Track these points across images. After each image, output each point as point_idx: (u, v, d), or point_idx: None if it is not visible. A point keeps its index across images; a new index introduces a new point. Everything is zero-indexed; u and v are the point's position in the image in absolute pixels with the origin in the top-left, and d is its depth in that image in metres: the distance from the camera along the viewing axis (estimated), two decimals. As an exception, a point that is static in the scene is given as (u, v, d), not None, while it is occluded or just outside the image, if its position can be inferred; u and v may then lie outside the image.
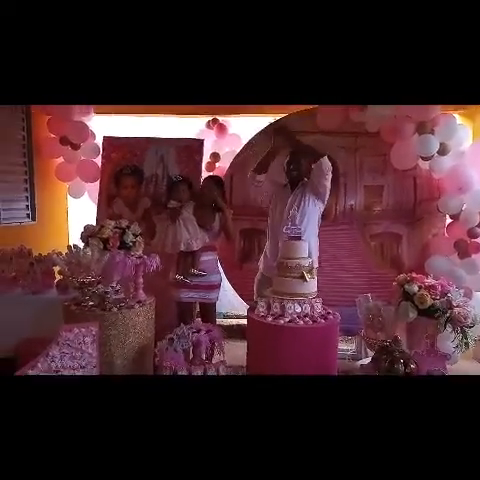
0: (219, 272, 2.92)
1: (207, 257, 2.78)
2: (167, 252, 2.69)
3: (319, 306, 2.32)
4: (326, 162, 2.53)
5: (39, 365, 1.74)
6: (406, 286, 2.12)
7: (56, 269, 2.72)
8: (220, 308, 3.51)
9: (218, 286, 2.88)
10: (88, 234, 2.39)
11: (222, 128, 3.85)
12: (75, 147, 3.45)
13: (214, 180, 2.88)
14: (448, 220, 3.15)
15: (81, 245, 2.38)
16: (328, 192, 2.66)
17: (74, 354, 1.84)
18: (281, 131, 2.70)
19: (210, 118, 3.86)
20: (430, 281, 2.14)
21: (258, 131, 3.36)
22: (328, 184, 2.60)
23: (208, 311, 2.87)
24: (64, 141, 3.40)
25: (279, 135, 2.68)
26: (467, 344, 2.00)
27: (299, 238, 2.39)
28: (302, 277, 2.27)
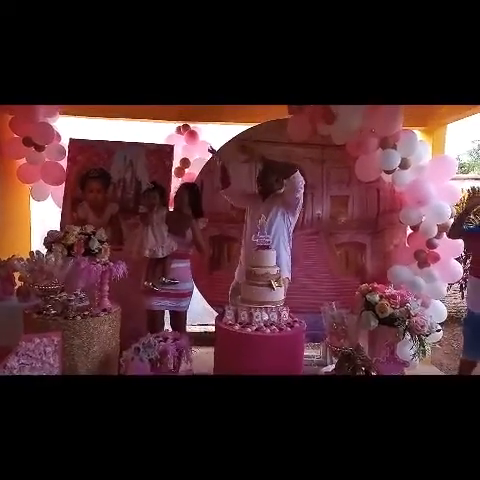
0: (191, 280, 2.89)
1: (179, 265, 2.76)
2: (133, 258, 2.65)
3: (286, 314, 2.36)
4: (298, 178, 2.60)
5: (-4, 377, 1.67)
6: (368, 296, 2.20)
7: (17, 275, 2.63)
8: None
9: (189, 294, 2.87)
10: (52, 240, 2.32)
11: (193, 135, 3.84)
12: (39, 148, 3.34)
13: (188, 188, 2.87)
14: (409, 231, 3.29)
15: (44, 251, 2.31)
16: (300, 205, 2.73)
17: (34, 365, 1.78)
18: (246, 150, 2.81)
19: (180, 124, 3.84)
20: (390, 291, 2.23)
21: (228, 140, 3.39)
22: (300, 198, 2.68)
23: (178, 319, 2.85)
24: (27, 142, 3.28)
25: (245, 152, 2.79)
26: (424, 352, 2.10)
27: (267, 247, 2.43)
28: (270, 285, 2.31)
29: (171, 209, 2.96)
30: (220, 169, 2.92)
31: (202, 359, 2.48)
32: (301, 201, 2.70)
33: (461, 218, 2.63)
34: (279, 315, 2.32)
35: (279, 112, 3.19)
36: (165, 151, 3.48)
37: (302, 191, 2.66)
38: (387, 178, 3.19)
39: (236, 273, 2.89)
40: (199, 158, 3.73)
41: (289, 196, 2.65)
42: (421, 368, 3.20)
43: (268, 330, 2.23)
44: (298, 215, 2.80)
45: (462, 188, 4.28)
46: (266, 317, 2.28)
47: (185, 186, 2.92)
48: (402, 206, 3.23)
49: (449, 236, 2.74)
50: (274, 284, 2.31)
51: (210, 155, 3.48)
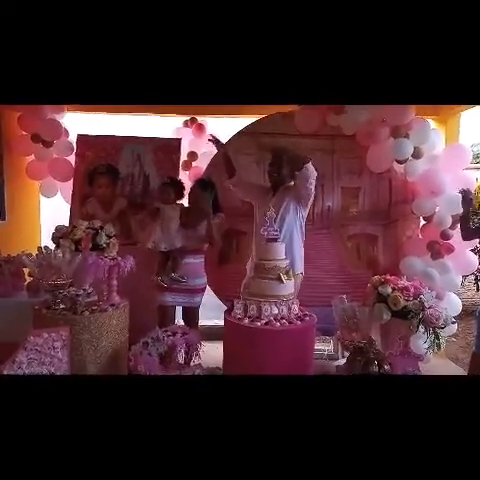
0: (204, 276, 2.86)
1: (191, 260, 2.74)
2: (141, 249, 2.67)
3: (296, 308, 2.32)
4: (311, 169, 2.52)
5: (5, 372, 1.67)
6: (380, 288, 2.15)
7: (26, 271, 2.64)
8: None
9: (202, 290, 2.85)
10: (59, 235, 2.32)
11: (200, 128, 3.81)
12: (47, 145, 3.35)
13: (202, 184, 2.81)
14: (422, 222, 3.22)
15: (53, 246, 2.31)
16: (312, 197, 2.65)
17: (43, 360, 1.77)
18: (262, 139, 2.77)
19: (187, 117, 3.81)
20: (403, 283, 2.17)
21: (235, 132, 3.34)
22: (312, 189, 2.60)
23: (191, 315, 2.83)
24: (35, 138, 3.29)
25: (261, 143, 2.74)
26: (439, 345, 2.04)
27: (276, 240, 2.39)
28: (279, 279, 2.27)
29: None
30: (223, 157, 2.86)
31: (211, 353, 2.46)
32: (313, 193, 2.62)
33: (465, 221, 2.56)
34: (289, 309, 2.28)
35: (287, 105, 3.13)
36: (173, 145, 3.46)
37: (314, 183, 2.58)
38: (399, 168, 3.12)
39: (248, 268, 2.85)
40: (206, 151, 3.69)
41: (301, 187, 2.57)
42: (436, 362, 3.14)
43: (278, 324, 2.19)
44: (309, 207, 2.73)
45: (477, 178, 4.17)
46: (276, 311, 2.25)
47: (198, 182, 2.87)
48: (415, 197, 3.16)
49: (464, 239, 2.65)
50: (283, 277, 2.27)
51: (217, 150, 3.46)
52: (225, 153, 2.85)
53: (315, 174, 2.56)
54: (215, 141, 2.85)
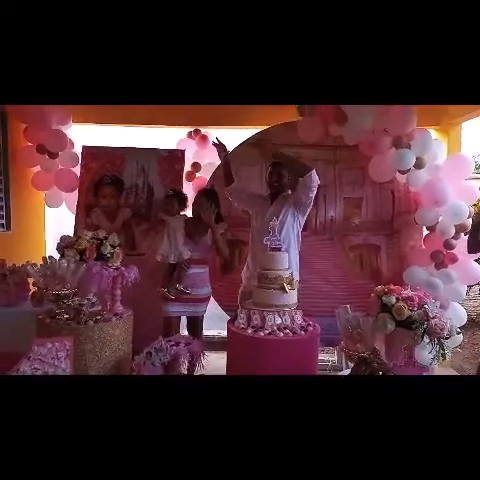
0: (208, 285, 2.86)
1: (196, 270, 2.74)
2: (150, 261, 2.70)
3: (299, 318, 2.31)
4: (315, 176, 2.54)
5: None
6: (384, 298, 2.13)
7: (30, 280, 2.65)
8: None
9: (207, 300, 2.86)
10: (64, 245, 2.33)
11: (204, 139, 3.85)
12: (53, 156, 3.39)
13: (206, 195, 2.82)
14: (425, 232, 3.22)
15: (57, 256, 2.33)
16: (311, 205, 2.67)
17: (46, 370, 1.77)
18: (265, 146, 2.77)
19: (192, 129, 3.86)
20: (407, 293, 2.15)
21: (239, 143, 3.38)
22: (312, 196, 2.62)
23: (195, 324, 2.83)
24: (41, 149, 3.34)
25: (264, 149, 2.75)
26: (444, 355, 2.02)
27: (279, 249, 2.40)
28: (282, 288, 2.27)
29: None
30: (223, 163, 2.89)
31: (215, 364, 2.45)
32: (312, 201, 2.64)
33: (475, 234, 2.56)
34: (292, 318, 2.28)
35: (290, 115, 3.18)
36: (176, 156, 3.49)
37: (315, 191, 2.59)
38: (401, 178, 3.13)
39: (243, 277, 2.85)
40: (210, 162, 3.74)
41: (302, 194, 2.59)
42: (440, 372, 3.11)
43: (281, 334, 2.18)
44: (307, 216, 2.75)
45: (479, 188, 4.17)
46: (279, 321, 2.24)
47: (203, 193, 2.88)
48: (417, 206, 3.16)
49: (469, 252, 2.65)
50: (287, 287, 2.27)
51: (219, 161, 3.49)
52: (226, 160, 2.88)
53: (318, 182, 2.58)
54: (219, 145, 2.85)
